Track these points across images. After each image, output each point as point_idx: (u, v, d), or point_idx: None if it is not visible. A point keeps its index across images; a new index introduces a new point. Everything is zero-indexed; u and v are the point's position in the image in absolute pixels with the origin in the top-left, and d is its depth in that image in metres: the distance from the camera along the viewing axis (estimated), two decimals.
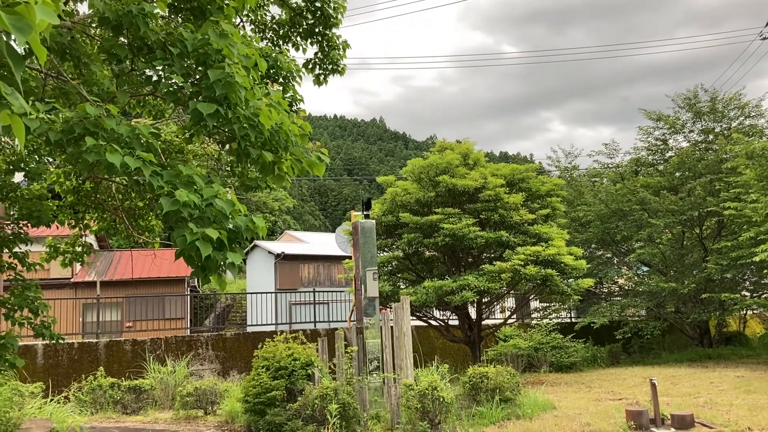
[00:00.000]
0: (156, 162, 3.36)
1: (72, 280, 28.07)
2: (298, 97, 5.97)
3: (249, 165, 3.91)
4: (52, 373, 15.02)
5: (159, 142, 5.31)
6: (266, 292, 22.60)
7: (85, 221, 7.04)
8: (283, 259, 30.84)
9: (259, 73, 3.96)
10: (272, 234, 55.70)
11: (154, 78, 3.78)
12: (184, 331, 23.86)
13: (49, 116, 3.34)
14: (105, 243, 34.55)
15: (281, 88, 5.69)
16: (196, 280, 33.19)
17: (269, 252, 31.81)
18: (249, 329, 23.68)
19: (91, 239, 33.25)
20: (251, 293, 25.98)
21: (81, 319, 24.35)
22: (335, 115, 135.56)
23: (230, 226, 3.38)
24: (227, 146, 4.51)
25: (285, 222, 63.41)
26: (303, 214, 78.21)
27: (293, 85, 5.88)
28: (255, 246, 34.38)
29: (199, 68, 3.68)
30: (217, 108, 3.49)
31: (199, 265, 3.33)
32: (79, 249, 7.26)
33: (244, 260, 36.14)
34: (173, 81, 3.68)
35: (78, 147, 3.23)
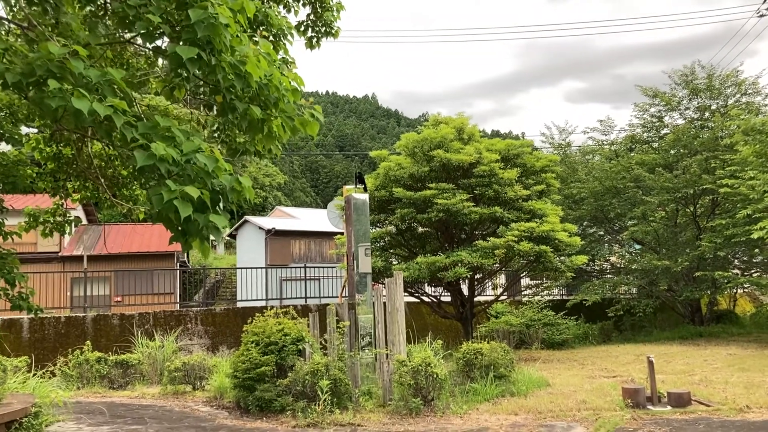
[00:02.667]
0: (130, 112, 3.07)
1: (60, 254, 27.74)
2: (290, 59, 5.66)
3: (236, 121, 3.59)
4: (38, 347, 14.79)
5: (145, 108, 5.00)
6: (257, 267, 22.38)
7: (66, 189, 6.74)
8: (273, 234, 30.59)
9: (247, 18, 3.64)
10: (263, 210, 55.42)
11: (131, 17, 3.45)
12: (174, 306, 23.61)
13: (8, 56, 3.04)
14: (93, 217, 34.17)
15: (272, 46, 5.37)
16: (185, 255, 32.89)
17: (260, 227, 31.55)
18: (239, 304, 23.46)
19: (79, 213, 32.99)
20: (241, 268, 25.73)
21: (69, 294, 24.07)
22: (327, 92, 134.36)
23: (215, 185, 3.09)
24: (213, 109, 4.23)
25: (276, 198, 63.09)
26: (294, 190, 77.82)
27: (284, 44, 5.56)
28: (245, 221, 34.12)
29: (181, 16, 3.37)
30: (198, 52, 3.17)
31: (179, 230, 3.06)
32: (59, 218, 6.97)
33: (234, 235, 35.83)
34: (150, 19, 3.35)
35: (41, 91, 2.94)
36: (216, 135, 5.38)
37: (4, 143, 6.59)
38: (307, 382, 8.78)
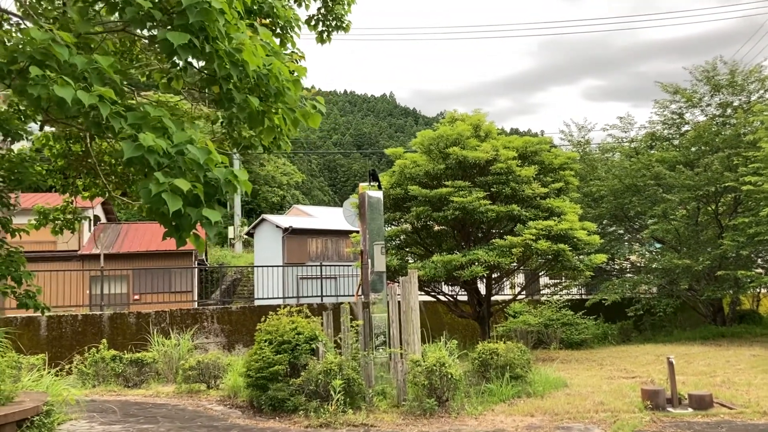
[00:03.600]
0: (120, 102, 2.97)
1: (79, 252, 27.93)
2: (299, 54, 5.53)
3: (236, 113, 3.45)
4: (55, 345, 14.87)
5: (141, 100, 4.87)
6: (274, 266, 22.39)
7: (76, 187, 6.68)
8: (290, 233, 30.54)
9: (245, 6, 3.50)
10: (281, 208, 55.56)
11: (120, 2, 3.32)
12: (192, 305, 23.68)
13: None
14: (113, 215, 34.41)
15: (279, 40, 5.26)
16: (203, 253, 32.99)
17: (277, 226, 31.52)
18: (257, 303, 23.48)
19: (98, 211, 33.12)
20: (259, 266, 25.76)
21: (88, 292, 24.22)
22: (345, 91, 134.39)
23: (209, 178, 2.95)
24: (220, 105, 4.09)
25: (294, 197, 63.17)
26: (312, 189, 77.94)
27: (291, 37, 5.43)
28: (263, 220, 34.17)
29: (173, 2, 3.22)
30: (190, 38, 3.04)
31: (173, 225, 2.95)
32: (69, 216, 6.92)
33: (252, 234, 35.90)
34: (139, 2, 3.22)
35: (24, 79, 2.84)
36: (225, 131, 5.27)
37: (18, 140, 6.57)
38: (320, 381, 8.68)
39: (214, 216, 2.99)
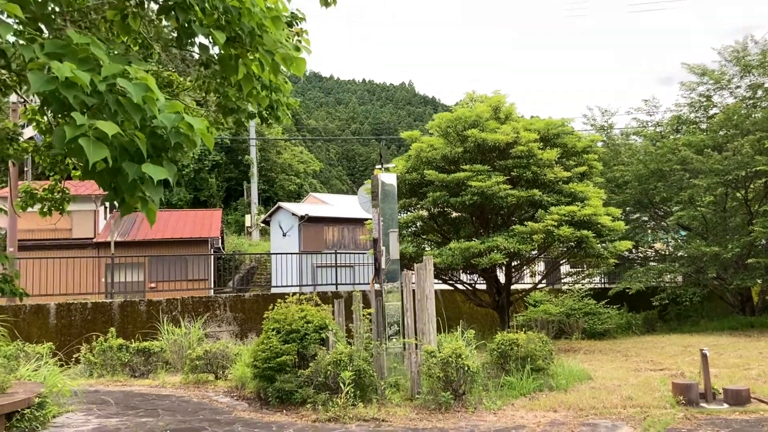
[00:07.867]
0: (34, 27, 2.46)
1: (94, 240, 27.77)
2: (300, 15, 4.96)
3: (202, 57, 2.91)
4: (64, 333, 14.59)
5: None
6: (290, 253, 22.03)
7: (66, 165, 6.24)
8: (307, 221, 30.18)
9: None
10: (298, 197, 55.34)
11: None
12: (207, 292, 23.39)
13: None
14: None
15: None
16: (219, 240, 32.71)
17: (293, 214, 31.18)
18: (273, 290, 23.15)
19: None
20: (275, 254, 25.42)
21: (103, 280, 24.02)
22: (364, 80, 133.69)
23: (152, 125, 2.37)
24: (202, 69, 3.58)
25: (311, 185, 62.93)
26: (330, 178, 77.76)
27: None
28: (279, 208, 33.85)
29: None
30: None
31: (111, 187, 2.43)
32: (57, 196, 6.48)
33: (268, 222, 35.56)
34: None
35: None
36: (218, 100, 4.75)
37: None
38: (329, 372, 8.23)
39: (159, 173, 2.38)
